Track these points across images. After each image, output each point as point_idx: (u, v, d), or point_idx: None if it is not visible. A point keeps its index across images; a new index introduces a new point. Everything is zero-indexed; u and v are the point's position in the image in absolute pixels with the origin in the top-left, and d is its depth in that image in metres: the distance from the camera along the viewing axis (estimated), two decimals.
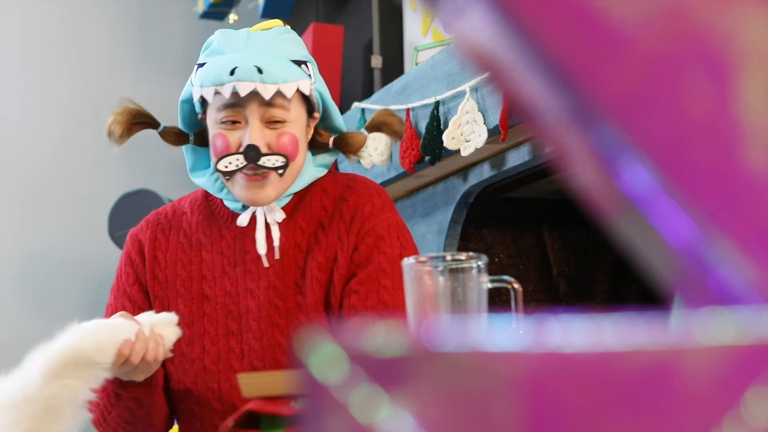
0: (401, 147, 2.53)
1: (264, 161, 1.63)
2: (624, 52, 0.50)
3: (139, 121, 1.77)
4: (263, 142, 1.64)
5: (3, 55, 3.97)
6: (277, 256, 1.69)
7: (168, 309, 1.68)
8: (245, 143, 1.64)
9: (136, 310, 1.70)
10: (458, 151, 2.34)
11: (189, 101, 1.73)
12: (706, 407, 0.44)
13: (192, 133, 1.76)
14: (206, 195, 1.78)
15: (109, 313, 1.73)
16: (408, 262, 1.25)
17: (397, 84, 2.64)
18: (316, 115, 1.73)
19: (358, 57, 3.31)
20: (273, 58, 1.65)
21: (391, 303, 1.64)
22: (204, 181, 1.74)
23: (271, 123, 1.65)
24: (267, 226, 1.70)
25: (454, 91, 2.37)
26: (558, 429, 0.44)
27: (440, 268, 1.23)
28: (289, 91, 1.64)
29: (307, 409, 0.47)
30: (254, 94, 1.62)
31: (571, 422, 0.44)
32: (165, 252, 1.74)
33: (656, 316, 0.51)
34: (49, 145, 3.99)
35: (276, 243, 1.69)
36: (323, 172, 1.76)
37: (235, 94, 1.62)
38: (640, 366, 0.44)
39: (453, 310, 1.23)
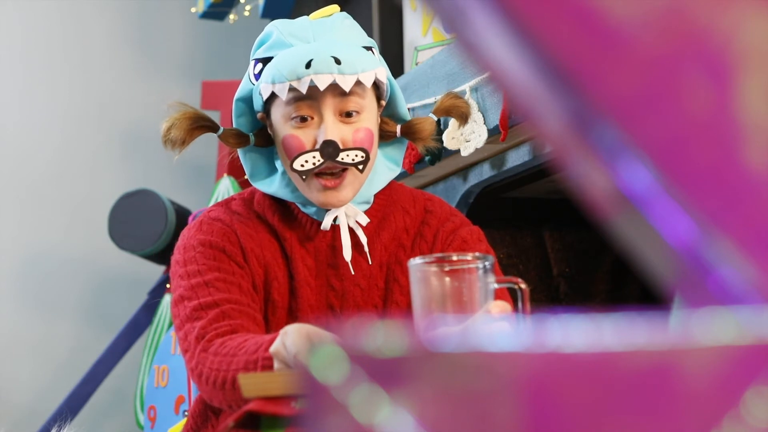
0: None
1: (343, 157, 1.53)
2: (624, 52, 0.50)
3: (199, 125, 1.62)
4: (339, 138, 1.54)
5: (3, 55, 3.97)
6: (369, 261, 1.60)
7: (263, 319, 1.55)
8: (321, 139, 1.53)
9: (251, 287, 1.56)
10: (458, 151, 2.34)
11: (244, 100, 1.63)
12: (706, 407, 0.44)
13: (250, 133, 1.64)
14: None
15: (201, 287, 1.53)
16: (414, 262, 1.25)
17: (397, 84, 2.64)
18: (383, 103, 1.64)
19: None
20: (346, 46, 1.55)
21: None
22: (276, 187, 1.62)
23: (345, 116, 1.55)
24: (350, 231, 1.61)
25: (454, 91, 2.36)
26: (558, 429, 0.44)
27: (447, 269, 1.23)
28: (368, 80, 1.54)
29: (307, 409, 0.47)
30: (331, 86, 1.52)
31: (571, 422, 0.44)
32: (261, 248, 1.59)
33: (656, 316, 0.51)
34: (49, 145, 3.99)
35: (366, 249, 1.60)
36: (396, 170, 1.68)
37: (312, 88, 1.51)
38: (640, 366, 0.44)
39: (459, 310, 1.23)
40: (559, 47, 0.50)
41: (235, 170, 3.20)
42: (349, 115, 1.55)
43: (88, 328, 3.93)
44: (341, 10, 1.66)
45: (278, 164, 1.64)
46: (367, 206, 1.64)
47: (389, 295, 1.61)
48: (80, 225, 3.98)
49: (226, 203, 1.67)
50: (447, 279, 1.22)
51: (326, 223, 1.59)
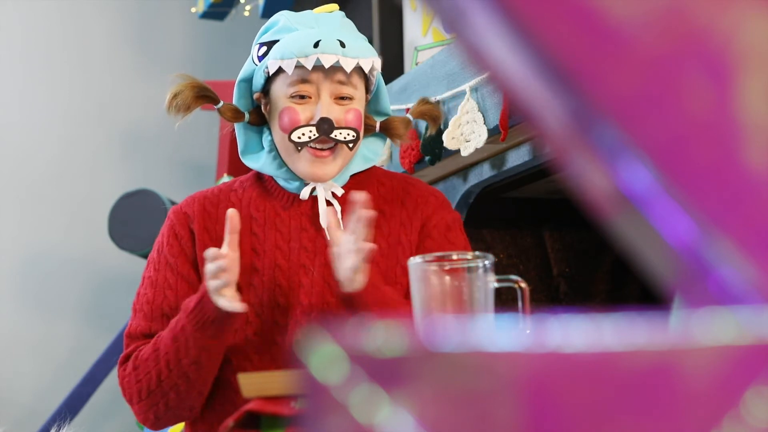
0: (401, 147, 2.53)
1: (336, 134, 1.70)
2: (624, 52, 0.50)
3: (202, 94, 1.77)
4: (334, 117, 1.70)
5: (3, 55, 3.97)
6: (342, 227, 1.69)
7: None
8: (317, 116, 1.69)
9: (180, 281, 1.73)
10: (458, 151, 2.34)
11: (246, 81, 1.77)
12: (706, 407, 0.44)
13: (246, 111, 1.80)
14: (258, 176, 1.81)
15: (149, 285, 1.76)
16: (414, 261, 1.25)
17: (397, 84, 2.64)
18: (368, 96, 1.79)
19: None
20: (349, 34, 1.73)
21: None
22: (262, 162, 1.77)
23: (339, 99, 1.71)
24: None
25: (454, 91, 2.37)
26: (558, 429, 0.44)
27: (447, 268, 1.23)
28: (366, 65, 1.71)
29: (307, 409, 0.47)
30: (330, 70, 1.69)
31: (571, 422, 0.44)
32: (215, 223, 1.75)
33: (656, 316, 0.51)
34: (49, 145, 3.99)
35: (339, 215, 1.71)
36: (371, 162, 1.82)
37: (316, 66, 1.68)
38: (640, 366, 0.44)
39: (460, 309, 1.23)
40: (559, 47, 0.50)
41: (235, 170, 3.20)
42: (342, 98, 1.72)
43: (88, 328, 3.93)
44: (341, 10, 1.76)
45: (266, 143, 1.78)
46: (344, 180, 1.78)
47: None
48: (80, 225, 3.98)
49: (222, 184, 1.84)
50: (447, 278, 1.22)
51: (305, 194, 1.74)
